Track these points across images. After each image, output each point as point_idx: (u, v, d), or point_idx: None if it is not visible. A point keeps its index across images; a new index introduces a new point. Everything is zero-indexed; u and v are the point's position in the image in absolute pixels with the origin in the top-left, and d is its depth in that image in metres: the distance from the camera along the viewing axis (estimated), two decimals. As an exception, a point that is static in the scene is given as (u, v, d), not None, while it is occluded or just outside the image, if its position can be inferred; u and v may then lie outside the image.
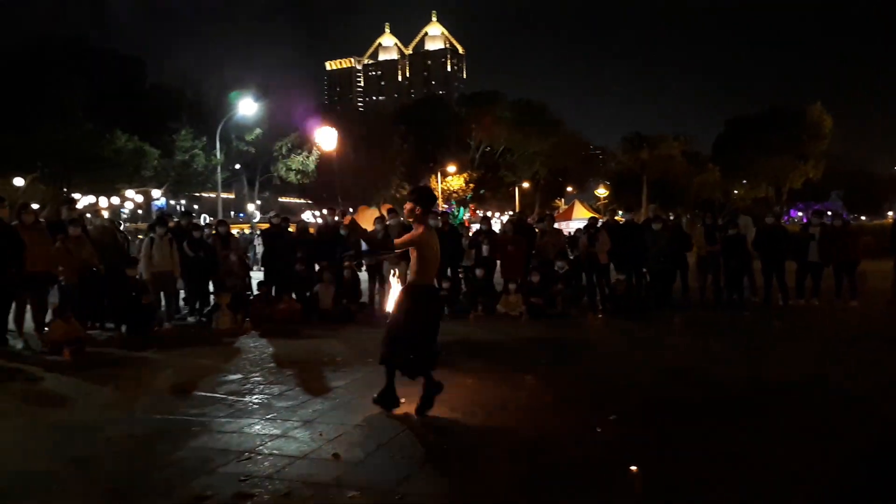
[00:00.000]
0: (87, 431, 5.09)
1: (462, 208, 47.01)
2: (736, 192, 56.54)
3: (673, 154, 53.24)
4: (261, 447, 4.67)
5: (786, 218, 58.69)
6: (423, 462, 4.35)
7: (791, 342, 8.52)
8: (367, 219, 19.67)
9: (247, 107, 30.53)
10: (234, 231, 13.45)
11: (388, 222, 11.78)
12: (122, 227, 14.15)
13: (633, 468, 4.10)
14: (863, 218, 70.29)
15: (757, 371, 6.80)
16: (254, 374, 6.99)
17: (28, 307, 8.79)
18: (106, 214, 18.80)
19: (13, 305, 8.55)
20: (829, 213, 14.05)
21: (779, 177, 52.93)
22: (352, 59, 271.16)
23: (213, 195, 38.13)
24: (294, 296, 11.12)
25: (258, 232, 18.46)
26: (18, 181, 26.71)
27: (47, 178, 27.54)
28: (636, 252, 11.73)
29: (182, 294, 11.72)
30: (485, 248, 11.56)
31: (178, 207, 44.71)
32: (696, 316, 10.73)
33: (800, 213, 68.72)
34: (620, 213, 13.29)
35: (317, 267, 11.68)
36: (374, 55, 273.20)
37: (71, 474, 4.24)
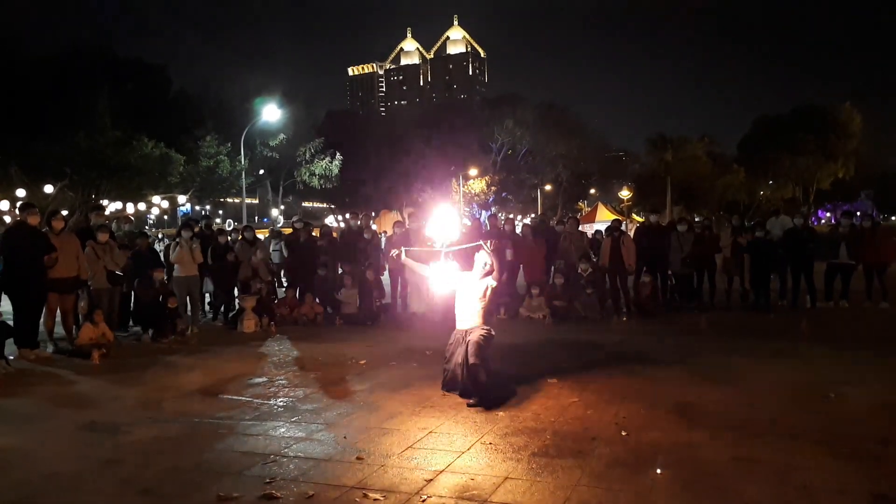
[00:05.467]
0: (115, 433, 5.16)
1: (484, 212, 46.94)
2: (762, 192, 55.76)
3: (697, 155, 52.64)
4: (286, 450, 4.70)
5: (813, 219, 57.72)
6: (447, 464, 4.34)
7: (814, 344, 8.36)
8: (388, 223, 19.81)
9: (270, 113, 30.82)
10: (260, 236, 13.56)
11: (408, 227, 11.81)
12: (148, 233, 14.32)
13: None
14: (893, 218, 68.97)
15: (778, 373, 6.71)
16: (279, 378, 7.04)
17: (58, 311, 8.93)
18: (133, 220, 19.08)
19: (44, 309, 8.70)
20: (859, 213, 13.81)
21: (806, 177, 52.10)
22: (374, 65, 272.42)
23: (237, 200, 38.54)
24: (317, 299, 11.19)
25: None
26: (48, 188, 27.22)
27: (76, 185, 28.00)
28: (662, 254, 11.63)
29: (208, 298, 11.88)
30: (508, 252, 11.52)
31: (202, 213, 45.28)
32: (720, 318, 10.59)
33: (828, 214, 67.63)
34: (653, 215, 13.07)
35: (339, 270, 11.76)
36: (396, 60, 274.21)
37: (100, 475, 4.29)
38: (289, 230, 14.34)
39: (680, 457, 4.40)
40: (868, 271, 11.42)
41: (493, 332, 6.06)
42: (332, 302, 11.17)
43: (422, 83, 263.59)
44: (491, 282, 6.04)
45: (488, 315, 6.16)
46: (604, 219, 33.45)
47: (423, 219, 13.58)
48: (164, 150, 28.17)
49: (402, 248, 6.72)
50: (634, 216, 45.44)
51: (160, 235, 33.84)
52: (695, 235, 11.82)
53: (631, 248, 11.40)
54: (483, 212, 46.39)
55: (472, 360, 5.76)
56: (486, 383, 5.77)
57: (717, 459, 4.34)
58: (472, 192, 49.39)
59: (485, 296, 6.04)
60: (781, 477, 4.03)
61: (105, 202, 27.49)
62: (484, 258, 6.06)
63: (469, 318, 6.06)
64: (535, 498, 3.80)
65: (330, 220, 44.25)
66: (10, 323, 7.99)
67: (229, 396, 6.29)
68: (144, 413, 5.73)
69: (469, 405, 5.65)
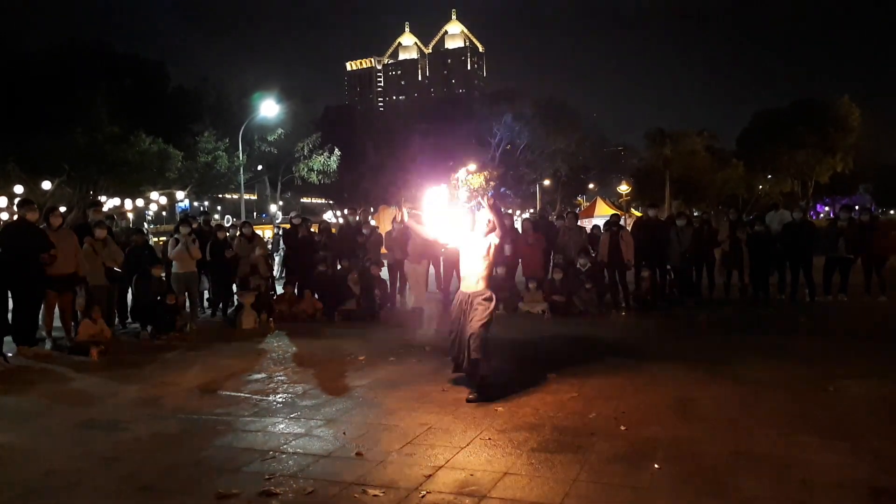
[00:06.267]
0: (114, 430, 5.16)
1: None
2: (761, 187, 55.73)
3: (696, 149, 52.61)
4: (285, 446, 4.70)
5: (812, 213, 57.72)
6: (446, 460, 4.34)
7: (813, 338, 8.37)
8: (387, 218, 19.77)
9: (268, 108, 30.74)
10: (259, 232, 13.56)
11: (407, 222, 11.78)
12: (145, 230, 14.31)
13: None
14: (892, 212, 68.95)
15: (776, 367, 6.72)
16: (278, 374, 7.04)
17: (56, 308, 8.92)
18: (130, 217, 19.10)
19: (42, 306, 8.69)
20: (857, 207, 13.81)
21: (805, 171, 52.05)
22: (372, 60, 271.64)
23: (235, 196, 38.44)
24: (316, 295, 11.18)
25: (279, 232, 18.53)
26: (46, 184, 27.16)
27: (74, 182, 27.93)
28: (661, 249, 11.63)
29: (206, 294, 11.87)
30: (507, 248, 11.50)
31: (201, 209, 45.24)
32: (719, 312, 10.59)
33: (826, 208, 67.65)
34: (651, 209, 13.04)
35: (338, 266, 11.75)
36: (394, 55, 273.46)
37: (99, 472, 4.29)
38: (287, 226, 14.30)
39: (679, 451, 4.40)
40: (867, 265, 11.43)
41: (494, 299, 6.10)
42: (342, 290, 10.93)
43: (420, 78, 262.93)
44: (494, 239, 6.07)
45: (492, 277, 6.22)
46: (602, 213, 33.41)
47: (421, 214, 13.56)
48: (162, 145, 28.07)
49: (406, 210, 6.79)
50: (633, 211, 45.42)
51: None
52: (693, 230, 11.83)
53: (629, 242, 11.39)
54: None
55: (474, 355, 5.75)
56: (486, 377, 5.79)
57: (716, 454, 4.34)
58: (471, 187, 49.23)
59: (489, 254, 6.07)
60: (780, 471, 4.03)
61: (103, 198, 27.44)
62: (486, 215, 6.11)
63: (473, 280, 6.08)
64: (535, 493, 3.80)
65: (328, 216, 44.19)
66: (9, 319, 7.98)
67: (228, 393, 6.28)
68: (143, 410, 5.73)
69: (468, 400, 5.66)
